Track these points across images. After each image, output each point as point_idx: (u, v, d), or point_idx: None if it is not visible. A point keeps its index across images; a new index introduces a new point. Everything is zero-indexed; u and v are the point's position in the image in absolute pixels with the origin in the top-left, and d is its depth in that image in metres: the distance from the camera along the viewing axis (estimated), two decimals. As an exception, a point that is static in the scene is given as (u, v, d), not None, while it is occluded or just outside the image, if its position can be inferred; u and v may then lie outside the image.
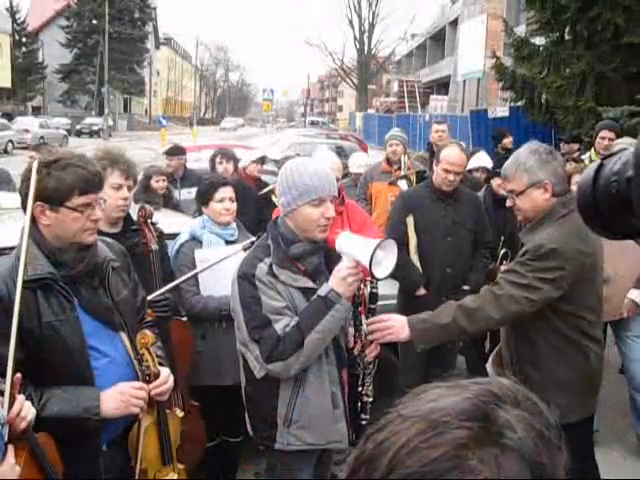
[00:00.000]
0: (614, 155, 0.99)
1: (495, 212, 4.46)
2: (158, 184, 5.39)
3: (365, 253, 2.10)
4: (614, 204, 0.95)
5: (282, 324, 2.23)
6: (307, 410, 2.34)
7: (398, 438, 0.62)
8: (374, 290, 2.52)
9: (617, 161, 0.97)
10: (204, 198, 3.37)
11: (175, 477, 2.50)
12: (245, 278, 2.28)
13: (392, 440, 0.62)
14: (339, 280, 2.23)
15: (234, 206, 3.38)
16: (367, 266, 2.10)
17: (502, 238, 4.38)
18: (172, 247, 3.34)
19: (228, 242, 3.34)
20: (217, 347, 3.21)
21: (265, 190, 5.43)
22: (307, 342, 2.21)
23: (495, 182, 4.50)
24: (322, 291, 2.25)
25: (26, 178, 2.00)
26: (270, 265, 2.28)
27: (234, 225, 3.42)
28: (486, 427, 0.60)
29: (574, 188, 3.02)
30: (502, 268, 4.28)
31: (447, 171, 3.84)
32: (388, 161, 5.83)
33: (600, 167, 1.00)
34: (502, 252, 4.39)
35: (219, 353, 3.19)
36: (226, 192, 3.35)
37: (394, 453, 0.61)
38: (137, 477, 2.26)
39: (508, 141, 8.26)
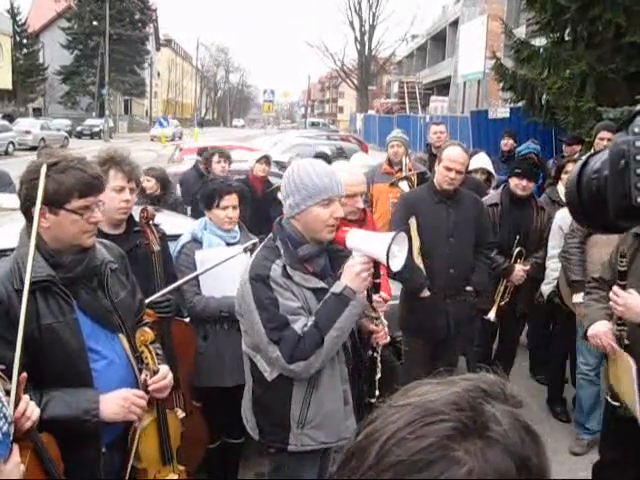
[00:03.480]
0: (598, 153, 1.00)
1: (510, 211, 4.54)
2: (145, 184, 5.40)
3: (381, 248, 2.12)
4: (595, 201, 0.96)
5: (300, 324, 2.23)
6: (321, 409, 2.35)
7: (387, 429, 0.63)
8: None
9: (598, 159, 0.97)
10: (208, 203, 3.35)
11: (175, 477, 2.50)
12: (259, 280, 2.26)
13: (381, 431, 0.63)
14: (353, 276, 2.23)
15: (237, 213, 3.37)
16: (384, 260, 2.11)
17: (517, 237, 4.47)
18: (174, 248, 3.34)
19: (229, 244, 3.34)
20: (219, 349, 3.22)
21: (271, 189, 5.48)
22: (326, 340, 2.21)
23: (513, 182, 4.56)
24: (336, 289, 2.24)
25: (26, 180, 2.00)
26: (284, 266, 2.28)
27: (236, 228, 3.42)
28: (472, 420, 0.62)
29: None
30: (517, 267, 4.44)
31: (449, 169, 3.84)
32: (389, 162, 5.83)
33: (584, 165, 1.01)
34: (517, 250, 4.48)
35: (221, 354, 3.20)
36: (231, 200, 3.33)
37: (382, 444, 0.62)
38: (135, 476, 2.26)
39: (503, 143, 8.23)
